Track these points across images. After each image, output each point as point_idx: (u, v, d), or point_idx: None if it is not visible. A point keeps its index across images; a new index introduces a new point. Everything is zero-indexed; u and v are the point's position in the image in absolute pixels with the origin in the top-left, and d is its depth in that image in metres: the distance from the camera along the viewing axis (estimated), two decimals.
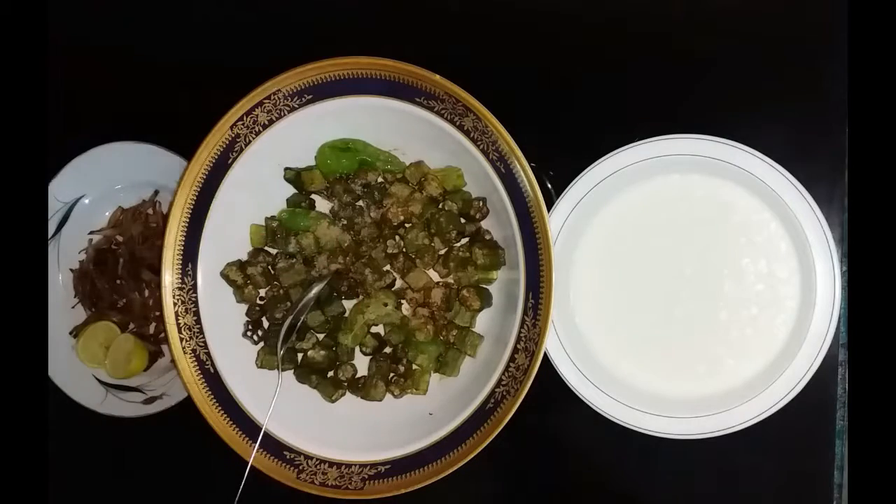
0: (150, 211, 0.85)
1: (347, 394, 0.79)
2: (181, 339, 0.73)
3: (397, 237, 0.78)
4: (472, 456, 0.70)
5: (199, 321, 0.74)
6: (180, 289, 0.74)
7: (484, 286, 0.77)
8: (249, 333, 0.78)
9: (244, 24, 0.85)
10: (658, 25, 0.79)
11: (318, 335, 0.79)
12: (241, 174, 0.74)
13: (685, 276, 0.76)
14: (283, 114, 0.73)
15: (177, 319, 0.74)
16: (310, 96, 0.73)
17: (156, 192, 0.85)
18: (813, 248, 0.73)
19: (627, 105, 0.79)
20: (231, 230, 0.77)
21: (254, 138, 0.73)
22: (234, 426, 0.73)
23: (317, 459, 0.74)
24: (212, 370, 0.74)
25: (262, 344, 0.78)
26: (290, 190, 0.79)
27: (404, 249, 0.77)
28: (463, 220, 0.77)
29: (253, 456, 0.72)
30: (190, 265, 0.74)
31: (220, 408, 0.73)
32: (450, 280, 0.78)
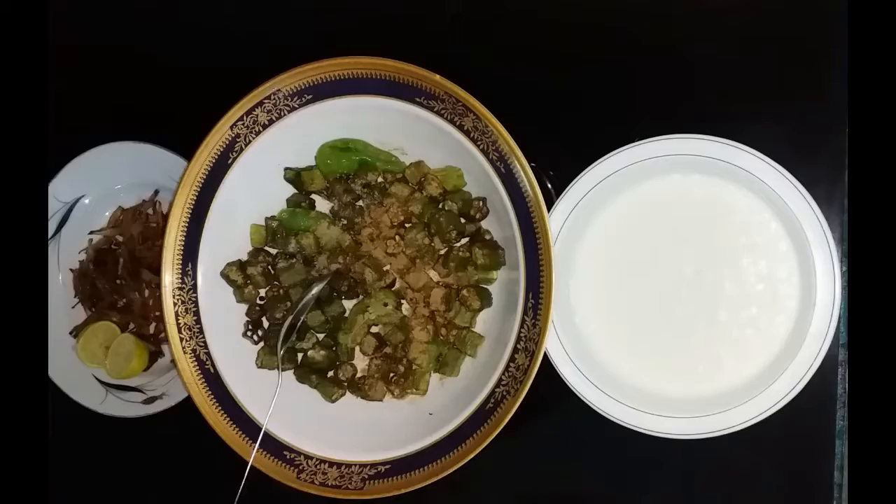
0: (150, 211, 0.85)
1: (347, 394, 0.79)
2: (181, 339, 0.73)
3: (397, 237, 0.78)
4: (472, 456, 0.70)
5: (199, 321, 0.74)
6: (180, 289, 0.74)
7: (484, 286, 0.77)
8: (249, 333, 0.78)
9: (244, 24, 0.85)
10: (658, 25, 0.79)
11: (318, 335, 0.79)
12: (241, 174, 0.74)
13: (685, 276, 0.76)
14: (283, 114, 0.73)
15: (177, 319, 0.74)
16: (310, 96, 0.73)
17: (156, 192, 0.85)
18: (813, 248, 0.73)
19: (627, 105, 0.79)
20: (231, 230, 0.77)
21: (254, 138, 0.73)
22: (234, 426, 0.73)
23: (317, 459, 0.74)
24: (212, 370, 0.74)
25: (262, 344, 0.78)
26: (290, 190, 0.79)
27: (404, 249, 0.77)
28: (463, 220, 0.77)
29: (253, 456, 0.72)
30: (190, 265, 0.74)
31: (220, 408, 0.73)
32: (450, 280, 0.78)
